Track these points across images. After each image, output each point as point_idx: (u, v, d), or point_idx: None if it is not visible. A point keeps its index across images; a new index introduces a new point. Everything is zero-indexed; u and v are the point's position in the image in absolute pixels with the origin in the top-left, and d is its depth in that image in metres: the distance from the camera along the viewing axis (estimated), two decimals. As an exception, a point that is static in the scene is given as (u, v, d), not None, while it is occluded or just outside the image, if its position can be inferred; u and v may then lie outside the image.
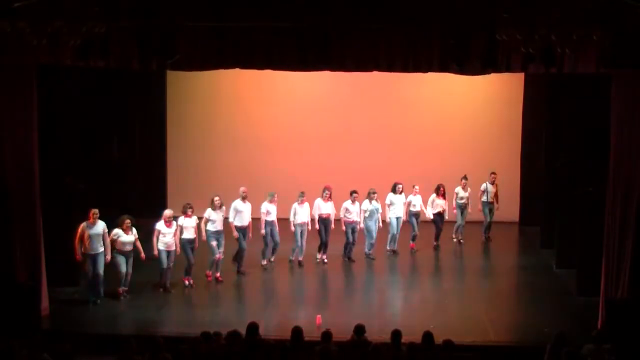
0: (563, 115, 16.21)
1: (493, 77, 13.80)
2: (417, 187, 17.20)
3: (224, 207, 15.27)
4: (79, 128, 14.95)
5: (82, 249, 13.80)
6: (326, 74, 14.46)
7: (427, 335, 10.49)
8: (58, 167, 14.17)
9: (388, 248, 17.09)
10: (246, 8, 11.91)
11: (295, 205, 16.03)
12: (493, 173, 18.09)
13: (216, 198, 15.17)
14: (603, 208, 12.90)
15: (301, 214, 16.05)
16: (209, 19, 11.95)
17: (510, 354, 12.24)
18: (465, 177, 17.87)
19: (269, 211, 15.79)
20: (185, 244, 14.70)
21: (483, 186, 18.09)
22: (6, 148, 12.84)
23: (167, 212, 14.58)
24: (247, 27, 12.13)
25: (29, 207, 13.08)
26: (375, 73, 13.10)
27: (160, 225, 14.43)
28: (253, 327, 10.63)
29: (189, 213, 14.78)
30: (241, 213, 15.41)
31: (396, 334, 10.49)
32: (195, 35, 12.23)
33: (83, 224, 13.76)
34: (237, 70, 13.56)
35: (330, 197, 16.32)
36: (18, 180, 12.95)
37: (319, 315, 12.98)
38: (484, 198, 18.10)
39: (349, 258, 16.54)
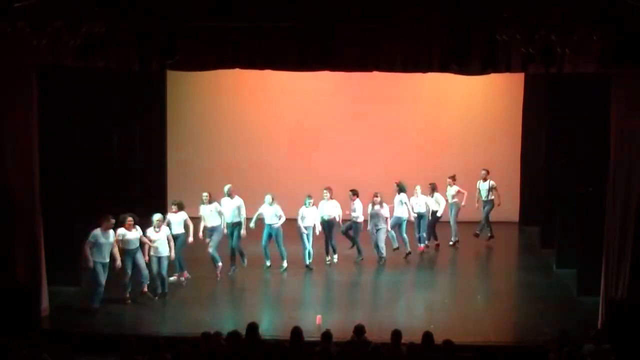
0: (563, 115, 16.20)
1: (493, 77, 13.80)
2: (418, 188, 17.15)
3: (215, 203, 15.23)
4: (79, 128, 14.95)
5: (91, 257, 13.51)
6: (326, 74, 14.45)
7: (427, 335, 10.50)
8: (58, 167, 14.17)
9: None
10: (246, 8, 11.91)
11: (303, 208, 15.97)
12: (483, 170, 18.00)
13: (204, 194, 15.21)
14: (603, 208, 12.91)
15: (309, 217, 15.96)
16: (209, 19, 11.95)
17: (510, 354, 12.24)
18: (451, 177, 17.72)
19: (264, 214, 15.81)
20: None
21: (477, 185, 18.07)
22: (6, 148, 12.84)
23: (156, 217, 14.35)
24: (247, 27, 12.13)
25: (29, 208, 13.08)
26: (375, 73, 13.11)
27: (149, 231, 14.22)
28: (253, 327, 10.63)
29: (174, 210, 14.81)
30: (226, 211, 15.40)
31: (396, 334, 10.50)
32: (195, 35, 12.23)
33: (97, 232, 13.42)
34: (237, 70, 13.56)
35: (331, 197, 16.29)
36: (18, 180, 12.95)
37: (319, 316, 12.99)
38: (481, 197, 18.06)
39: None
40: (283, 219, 15.77)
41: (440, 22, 11.90)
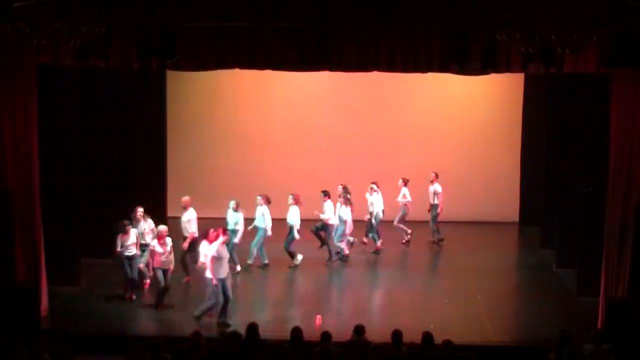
0: (563, 115, 16.20)
1: (493, 77, 13.80)
2: (374, 185, 17.12)
3: (150, 220, 14.85)
4: (79, 128, 14.95)
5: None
6: (326, 74, 14.46)
7: (427, 335, 10.49)
8: (58, 167, 14.16)
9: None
10: (246, 8, 11.91)
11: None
12: (432, 173, 17.82)
13: (139, 209, 14.74)
14: (603, 208, 12.92)
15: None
16: (209, 19, 11.96)
17: (510, 354, 12.25)
18: (404, 180, 17.65)
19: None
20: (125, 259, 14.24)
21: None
22: (6, 148, 12.84)
23: (162, 228, 14.04)
24: (247, 27, 12.13)
25: (29, 207, 13.08)
26: (375, 73, 13.11)
27: (155, 243, 13.87)
28: (253, 328, 10.63)
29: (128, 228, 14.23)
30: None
31: (396, 334, 10.49)
32: (195, 35, 12.24)
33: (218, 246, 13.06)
34: (237, 70, 13.57)
35: (295, 203, 15.98)
36: (18, 180, 12.95)
37: (319, 315, 13.00)
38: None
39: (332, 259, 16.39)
40: (241, 229, 15.54)
41: (440, 22, 11.90)
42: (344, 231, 16.45)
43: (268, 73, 13.64)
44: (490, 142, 19.55)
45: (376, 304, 14.44)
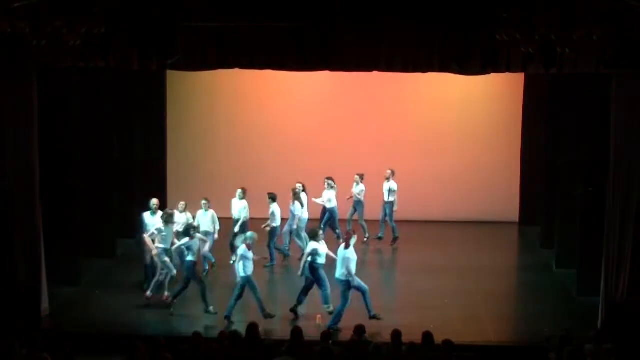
0: (563, 115, 16.21)
1: (493, 77, 13.80)
2: (330, 181, 17.16)
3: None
4: (79, 128, 14.95)
5: None
6: (325, 74, 14.46)
7: (427, 335, 10.50)
8: (58, 167, 14.17)
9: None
10: (246, 8, 11.92)
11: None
12: (388, 170, 17.69)
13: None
14: (603, 208, 12.92)
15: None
16: (209, 19, 11.96)
17: (510, 354, 12.26)
18: (359, 175, 17.57)
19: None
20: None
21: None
22: (6, 148, 12.84)
23: (251, 235, 13.60)
24: (247, 27, 12.14)
25: (29, 207, 13.08)
26: (375, 73, 13.11)
27: (243, 250, 13.37)
28: (253, 327, 10.64)
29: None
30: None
31: (396, 334, 10.50)
32: (195, 35, 12.24)
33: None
34: (237, 70, 13.57)
35: (242, 197, 15.99)
36: (18, 180, 12.95)
37: (319, 315, 12.98)
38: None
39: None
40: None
41: (441, 22, 11.90)
42: (292, 227, 16.37)
43: (268, 73, 13.64)
44: (490, 142, 19.54)
45: (375, 304, 14.40)
